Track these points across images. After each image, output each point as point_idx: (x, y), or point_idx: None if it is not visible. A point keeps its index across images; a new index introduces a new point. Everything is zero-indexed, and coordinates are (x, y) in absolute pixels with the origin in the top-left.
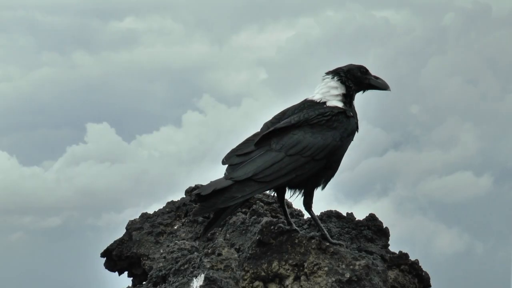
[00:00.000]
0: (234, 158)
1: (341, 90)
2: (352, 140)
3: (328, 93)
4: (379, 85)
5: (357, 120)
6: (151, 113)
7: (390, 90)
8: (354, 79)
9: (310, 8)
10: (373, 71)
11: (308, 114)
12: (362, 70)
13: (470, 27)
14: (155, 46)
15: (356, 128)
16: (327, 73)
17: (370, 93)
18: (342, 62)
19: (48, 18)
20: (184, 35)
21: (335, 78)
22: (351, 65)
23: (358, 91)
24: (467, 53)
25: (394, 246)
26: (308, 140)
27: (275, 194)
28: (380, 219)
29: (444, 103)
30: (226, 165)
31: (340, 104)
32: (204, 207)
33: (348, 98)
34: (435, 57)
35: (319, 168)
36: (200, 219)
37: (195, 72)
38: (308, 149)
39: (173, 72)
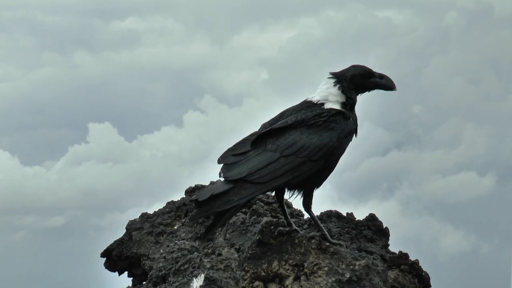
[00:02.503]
0: (229, 158)
1: (341, 99)
2: (350, 141)
3: (327, 97)
4: (384, 86)
5: (356, 125)
6: (152, 113)
7: (396, 89)
8: (357, 86)
9: (311, 8)
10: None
11: (305, 115)
12: (366, 75)
13: (472, 27)
14: (156, 46)
15: (355, 132)
16: (331, 77)
17: (372, 92)
18: (343, 62)
19: (49, 18)
20: (185, 35)
21: (337, 87)
22: (355, 69)
23: (362, 93)
24: (469, 53)
25: (399, 246)
26: (304, 141)
27: (274, 195)
28: (384, 219)
29: (446, 103)
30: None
31: (338, 107)
32: (201, 211)
33: (348, 106)
34: (437, 57)
35: (317, 169)
36: (200, 219)
37: (196, 72)
38: (304, 150)
39: (174, 72)
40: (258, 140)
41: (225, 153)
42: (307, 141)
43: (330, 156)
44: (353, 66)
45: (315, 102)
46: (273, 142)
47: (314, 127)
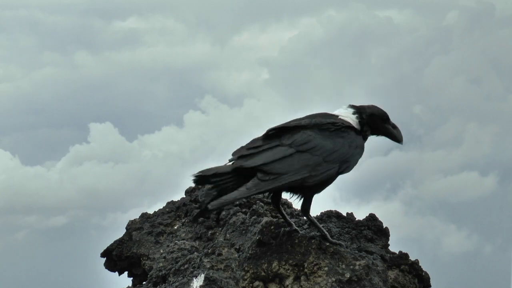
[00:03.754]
0: (243, 151)
1: (357, 127)
2: (360, 156)
3: (346, 116)
4: (393, 136)
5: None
6: (153, 113)
7: (402, 144)
8: (373, 124)
9: (312, 7)
10: (376, 71)
11: (319, 120)
12: (384, 119)
13: (474, 27)
14: (157, 46)
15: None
16: (351, 107)
17: (372, 92)
18: (344, 62)
19: (50, 18)
20: (186, 35)
21: (355, 116)
22: (375, 109)
23: (371, 134)
24: (470, 52)
25: (401, 246)
26: (319, 141)
27: (271, 199)
28: (387, 218)
29: (447, 103)
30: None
31: (353, 124)
32: (203, 211)
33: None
34: (438, 56)
35: (332, 174)
36: (200, 219)
37: (197, 72)
38: (318, 149)
39: (175, 72)
40: (271, 135)
41: (238, 149)
42: (321, 141)
43: (344, 162)
44: (373, 106)
45: (332, 113)
46: (288, 138)
47: (326, 132)
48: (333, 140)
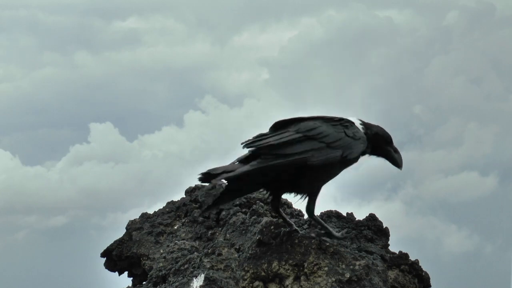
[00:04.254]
0: (251, 140)
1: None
2: (361, 149)
3: (353, 121)
4: (393, 160)
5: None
6: (153, 113)
7: (401, 170)
8: (375, 143)
9: (312, 7)
10: (376, 71)
11: (323, 116)
12: (388, 141)
13: (474, 27)
14: (157, 46)
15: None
16: (359, 119)
17: (372, 92)
18: (344, 62)
19: (50, 18)
20: (186, 35)
21: (362, 127)
22: (381, 129)
23: (371, 153)
24: (470, 52)
25: (402, 246)
26: (323, 128)
27: (270, 203)
28: (387, 218)
29: (448, 103)
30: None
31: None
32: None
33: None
34: (439, 56)
35: (336, 160)
36: (200, 219)
37: (197, 72)
38: (324, 136)
39: (175, 72)
40: (278, 126)
41: (246, 140)
42: (326, 129)
43: (347, 148)
44: (379, 126)
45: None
46: (293, 126)
47: (331, 122)
48: (336, 129)
